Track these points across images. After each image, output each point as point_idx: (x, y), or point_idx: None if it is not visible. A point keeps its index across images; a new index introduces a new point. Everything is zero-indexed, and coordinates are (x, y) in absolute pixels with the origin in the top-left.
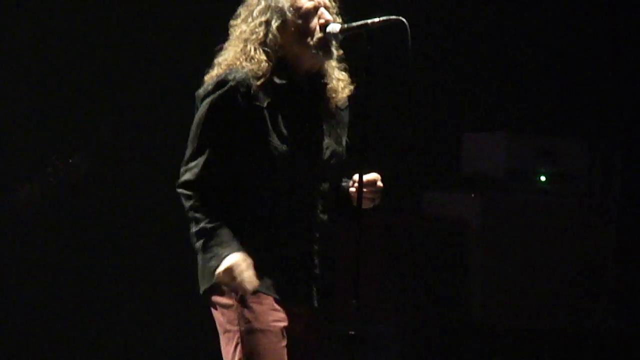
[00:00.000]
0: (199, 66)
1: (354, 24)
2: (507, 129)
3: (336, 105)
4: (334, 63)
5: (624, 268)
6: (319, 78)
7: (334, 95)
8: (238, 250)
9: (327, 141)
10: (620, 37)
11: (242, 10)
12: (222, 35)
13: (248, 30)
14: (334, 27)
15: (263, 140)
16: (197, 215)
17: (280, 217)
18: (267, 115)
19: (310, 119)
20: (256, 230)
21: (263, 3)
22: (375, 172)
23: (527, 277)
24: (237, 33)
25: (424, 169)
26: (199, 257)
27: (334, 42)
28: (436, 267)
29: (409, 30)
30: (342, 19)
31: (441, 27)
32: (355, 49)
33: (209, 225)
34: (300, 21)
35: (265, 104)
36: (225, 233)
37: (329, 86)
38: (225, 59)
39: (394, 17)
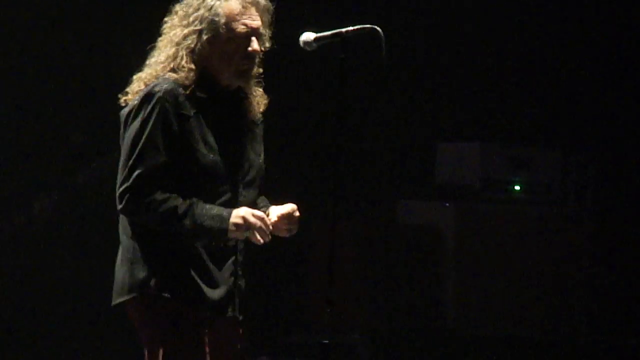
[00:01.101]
0: None
1: (328, 33)
2: (481, 139)
3: (253, 120)
4: (252, 81)
5: (597, 276)
6: (238, 93)
7: (251, 110)
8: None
9: (248, 152)
10: (593, 46)
11: (179, 10)
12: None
13: (180, 35)
14: (308, 36)
15: (191, 148)
16: (167, 204)
17: None
18: (193, 124)
19: (233, 130)
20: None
21: (201, 11)
22: (349, 178)
23: (501, 285)
24: (171, 34)
25: (399, 178)
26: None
27: (253, 69)
28: (411, 275)
29: (383, 38)
30: (271, 45)
31: (416, 37)
32: (331, 58)
33: (186, 202)
34: (230, 42)
35: (192, 114)
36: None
37: (247, 101)
38: (156, 64)
39: (368, 25)
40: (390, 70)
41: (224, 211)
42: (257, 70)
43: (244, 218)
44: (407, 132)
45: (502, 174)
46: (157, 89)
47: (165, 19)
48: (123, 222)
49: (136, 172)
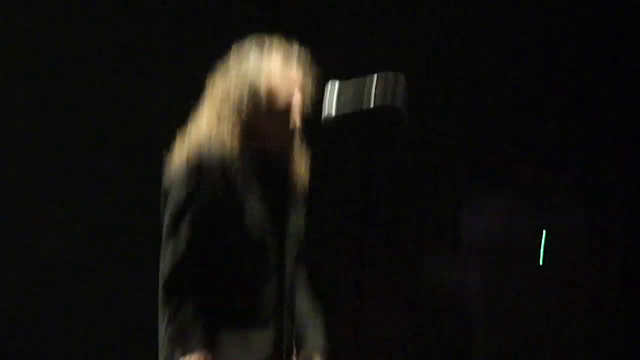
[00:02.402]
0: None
1: (348, 111)
2: (508, 196)
3: (298, 190)
4: (297, 148)
5: (624, 339)
6: (284, 161)
7: (297, 180)
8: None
9: (293, 224)
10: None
11: (222, 69)
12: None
13: (221, 100)
14: (330, 113)
15: (237, 218)
16: (176, 304)
17: (254, 292)
18: (240, 197)
19: (278, 202)
20: (235, 313)
21: (242, 70)
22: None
23: (528, 343)
24: (213, 95)
25: (426, 235)
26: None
27: (297, 138)
28: (438, 333)
29: (404, 113)
30: (317, 97)
31: (438, 87)
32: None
33: (184, 319)
34: (271, 111)
35: (238, 183)
36: (197, 332)
37: (292, 169)
38: (199, 133)
39: (388, 103)
40: (415, 125)
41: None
42: (301, 140)
43: None
44: (434, 189)
45: (529, 231)
46: (203, 159)
47: (209, 76)
48: None
49: (179, 251)
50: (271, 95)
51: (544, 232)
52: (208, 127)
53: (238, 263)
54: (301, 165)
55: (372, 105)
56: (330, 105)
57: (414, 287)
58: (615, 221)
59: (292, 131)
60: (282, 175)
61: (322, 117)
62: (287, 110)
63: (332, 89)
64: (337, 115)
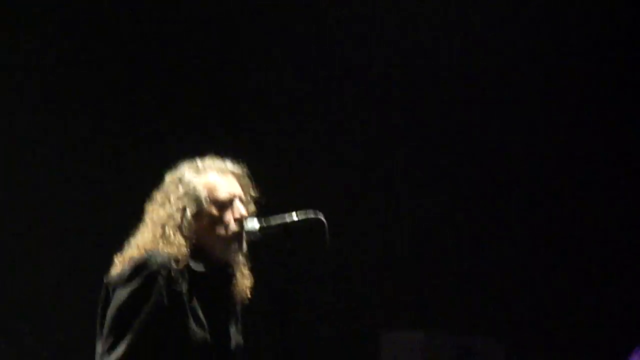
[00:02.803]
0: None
1: (273, 222)
2: (425, 328)
3: (237, 300)
4: (241, 258)
5: None
6: (227, 269)
7: (239, 289)
8: None
9: (232, 330)
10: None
11: (159, 195)
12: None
13: (165, 215)
14: (253, 225)
15: (183, 324)
16: None
17: None
18: (185, 300)
19: (220, 307)
20: None
21: (181, 190)
22: None
23: None
24: (154, 217)
25: None
26: None
27: (247, 238)
28: None
29: (326, 228)
30: (255, 209)
31: (359, 226)
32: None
33: None
34: (216, 212)
35: (184, 289)
36: None
37: (235, 280)
38: (144, 242)
39: (313, 216)
40: (334, 257)
41: None
42: (245, 249)
43: None
44: (350, 321)
45: None
46: (150, 261)
47: (145, 205)
48: None
49: (118, 355)
50: (211, 192)
51: None
52: (152, 241)
53: None
54: (243, 274)
55: (296, 217)
56: (253, 223)
57: None
58: (531, 354)
59: (235, 239)
60: (225, 285)
61: (245, 227)
62: (230, 201)
63: (252, 220)
64: (261, 227)
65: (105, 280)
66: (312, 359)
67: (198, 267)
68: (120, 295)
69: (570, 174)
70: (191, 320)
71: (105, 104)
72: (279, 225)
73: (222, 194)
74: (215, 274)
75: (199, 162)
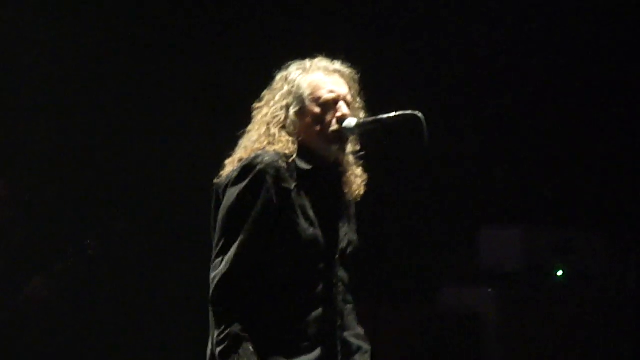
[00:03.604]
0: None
1: (369, 119)
2: (524, 223)
3: (350, 198)
4: (351, 158)
5: None
6: (338, 168)
7: (350, 188)
8: None
9: (345, 228)
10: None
11: (267, 94)
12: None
13: (269, 114)
14: (350, 122)
15: (292, 222)
16: (227, 316)
17: (307, 304)
18: (294, 197)
19: (331, 205)
20: (285, 316)
21: (286, 87)
22: (391, 266)
23: None
24: (259, 117)
25: (442, 264)
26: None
27: (349, 137)
28: None
29: (424, 124)
30: (367, 116)
31: (457, 121)
32: (373, 143)
33: (234, 332)
34: (317, 110)
35: (292, 187)
36: (248, 348)
37: (346, 178)
38: (251, 142)
39: (409, 111)
40: (433, 153)
41: None
42: (355, 147)
43: None
44: (449, 216)
45: (545, 259)
46: (257, 160)
47: (254, 104)
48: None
49: (230, 256)
50: (315, 90)
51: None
52: (258, 141)
53: (288, 261)
54: (355, 173)
55: (394, 114)
56: (350, 121)
57: (431, 317)
58: (633, 246)
59: (336, 139)
60: (334, 183)
61: (342, 125)
62: (333, 101)
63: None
64: (357, 124)
65: (215, 184)
66: (411, 255)
67: (305, 165)
68: (230, 196)
69: None
70: (301, 218)
71: None
72: (376, 120)
73: (325, 92)
74: (323, 172)
75: (307, 61)
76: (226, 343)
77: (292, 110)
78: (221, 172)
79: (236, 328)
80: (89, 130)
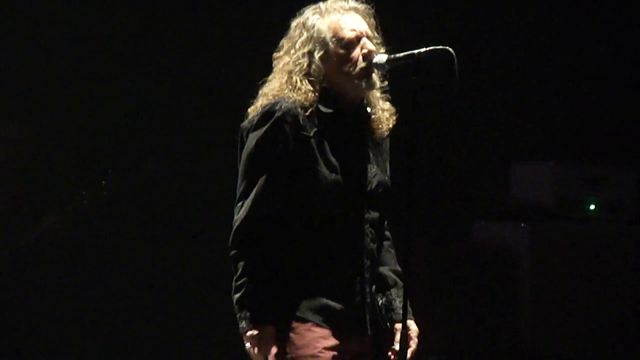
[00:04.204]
0: (245, 95)
1: (401, 54)
2: (555, 158)
3: (380, 136)
4: (378, 94)
5: None
6: (364, 108)
7: (379, 125)
8: (269, 321)
9: (373, 170)
10: None
11: (285, 42)
12: (266, 69)
13: (291, 62)
14: (381, 58)
15: (312, 169)
16: (245, 262)
17: (331, 246)
18: (314, 144)
19: (357, 147)
20: (307, 259)
21: (305, 34)
22: (423, 202)
23: (577, 308)
24: (281, 65)
25: (473, 199)
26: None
27: (377, 72)
28: (486, 296)
29: (455, 60)
30: (386, 49)
31: (488, 56)
32: (403, 79)
33: (251, 281)
34: (342, 51)
35: (312, 134)
36: (263, 297)
37: (373, 116)
38: (271, 90)
39: (440, 47)
40: (463, 89)
41: (246, 320)
42: (382, 83)
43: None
44: (481, 152)
45: (577, 193)
46: (276, 107)
47: (274, 54)
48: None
49: (248, 203)
50: (336, 31)
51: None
52: (279, 89)
53: (312, 208)
54: (382, 108)
55: (425, 49)
56: (380, 57)
57: (463, 251)
58: None
59: (369, 58)
60: (360, 124)
61: (373, 61)
62: (357, 39)
63: (379, 55)
64: (388, 59)
65: (240, 128)
66: (444, 191)
67: (328, 109)
68: (250, 142)
69: None
70: (321, 164)
71: None
72: (407, 56)
73: (347, 32)
74: (347, 114)
75: (321, 4)
76: (243, 291)
77: (316, 56)
78: (245, 118)
79: (254, 274)
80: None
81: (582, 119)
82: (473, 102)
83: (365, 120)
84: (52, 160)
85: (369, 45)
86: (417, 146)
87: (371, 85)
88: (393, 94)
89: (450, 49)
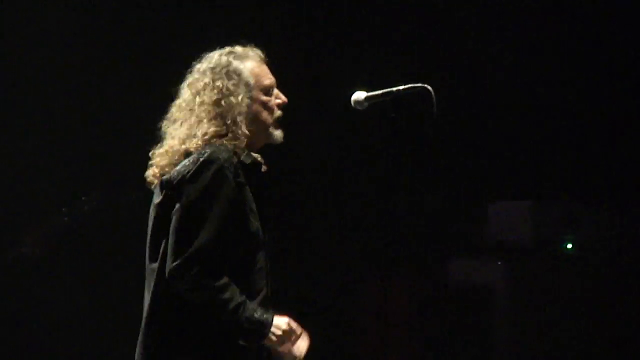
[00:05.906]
0: None
1: (379, 91)
2: (533, 198)
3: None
4: None
5: None
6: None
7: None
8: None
9: (268, 218)
10: None
11: (194, 84)
12: None
13: (206, 102)
14: (359, 95)
15: (244, 216)
16: (223, 295)
17: (255, 289)
18: (245, 192)
19: (259, 196)
20: (246, 286)
21: (227, 78)
22: (401, 239)
23: (553, 345)
24: (191, 105)
25: (451, 237)
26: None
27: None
28: (462, 333)
29: (434, 97)
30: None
31: (466, 95)
32: (382, 116)
33: (238, 299)
34: (264, 98)
35: (244, 181)
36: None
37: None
38: (183, 132)
39: (419, 84)
40: (441, 127)
41: (264, 317)
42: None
43: (285, 331)
44: (459, 191)
45: (554, 232)
46: (215, 155)
47: (179, 94)
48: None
49: (198, 246)
50: (261, 89)
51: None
52: (211, 129)
53: (238, 254)
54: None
55: (403, 86)
56: (359, 93)
57: (438, 288)
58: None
59: (280, 123)
60: (261, 175)
61: (352, 99)
62: (272, 87)
63: (357, 92)
64: (367, 97)
65: (163, 180)
66: (420, 227)
67: (247, 158)
68: (189, 194)
69: None
70: (250, 212)
71: None
72: (385, 93)
73: (267, 79)
74: (258, 164)
75: (236, 49)
76: (242, 308)
77: (242, 100)
78: (154, 164)
79: (233, 292)
80: (91, 84)
81: (560, 158)
82: (451, 140)
83: (259, 169)
84: (33, 175)
85: (282, 95)
86: (397, 183)
87: (281, 136)
88: (372, 128)
89: (429, 87)
